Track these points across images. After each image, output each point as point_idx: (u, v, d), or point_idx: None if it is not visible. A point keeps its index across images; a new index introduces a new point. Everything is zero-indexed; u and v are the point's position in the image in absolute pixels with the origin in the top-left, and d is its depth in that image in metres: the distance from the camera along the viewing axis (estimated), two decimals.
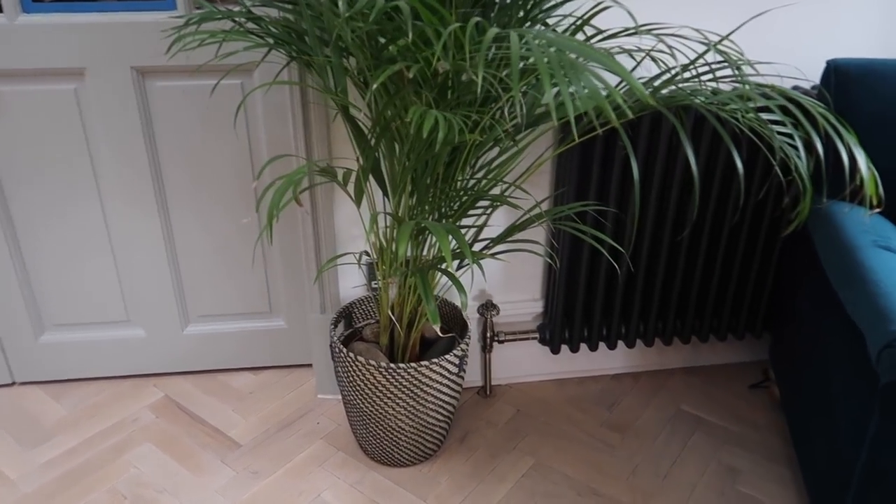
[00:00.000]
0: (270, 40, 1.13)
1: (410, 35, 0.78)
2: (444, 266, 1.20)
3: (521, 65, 1.02)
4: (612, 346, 1.61)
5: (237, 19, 1.15)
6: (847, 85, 1.28)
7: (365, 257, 1.54)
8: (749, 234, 1.52)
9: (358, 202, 1.17)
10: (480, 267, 1.25)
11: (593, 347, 1.61)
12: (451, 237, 1.03)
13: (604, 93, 0.86)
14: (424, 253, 1.33)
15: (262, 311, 1.70)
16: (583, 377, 1.75)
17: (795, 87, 1.45)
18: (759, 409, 1.63)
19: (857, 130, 1.27)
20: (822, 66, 1.50)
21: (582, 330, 1.59)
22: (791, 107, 1.08)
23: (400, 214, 1.23)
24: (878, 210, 1.25)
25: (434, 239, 1.31)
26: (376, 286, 1.57)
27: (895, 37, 1.50)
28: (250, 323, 1.71)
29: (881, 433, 0.93)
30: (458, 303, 1.51)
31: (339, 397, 1.67)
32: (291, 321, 1.71)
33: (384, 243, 1.29)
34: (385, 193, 1.29)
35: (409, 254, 1.30)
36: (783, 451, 1.50)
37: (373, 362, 1.28)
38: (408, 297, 1.32)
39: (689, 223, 1.48)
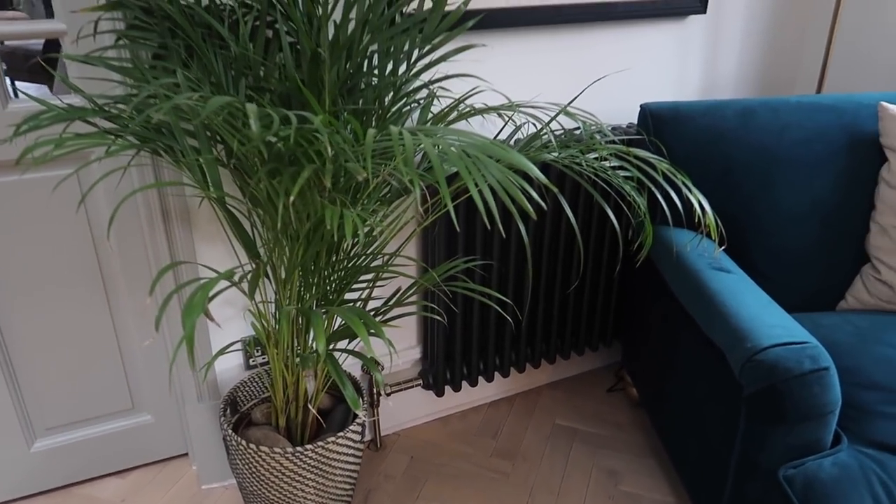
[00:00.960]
0: (133, 139, 1.06)
1: (330, 150, 0.79)
2: (349, 345, 1.20)
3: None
4: (489, 379, 1.71)
5: (90, 119, 1.06)
6: (662, 125, 1.49)
7: (248, 337, 1.49)
8: (595, 264, 1.70)
9: (251, 296, 1.13)
10: (390, 342, 1.27)
11: (473, 383, 1.69)
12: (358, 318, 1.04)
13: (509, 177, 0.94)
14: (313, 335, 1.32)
15: (124, 409, 1.56)
16: (464, 410, 1.83)
17: (615, 129, 1.65)
18: (620, 410, 1.82)
19: (674, 164, 1.47)
20: (636, 109, 1.73)
21: (462, 369, 1.67)
22: (632, 157, 1.24)
23: (288, 301, 1.21)
24: (723, 248, 1.46)
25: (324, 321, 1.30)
26: (256, 365, 1.52)
27: (686, 82, 1.77)
28: (111, 424, 1.56)
29: (749, 431, 1.11)
30: (352, 372, 1.51)
31: (226, 484, 1.58)
32: (159, 413, 1.59)
33: (272, 327, 1.26)
34: (266, 277, 1.26)
35: (308, 340, 1.28)
36: (648, 445, 1.70)
37: (278, 450, 1.25)
38: (319, 384, 1.30)
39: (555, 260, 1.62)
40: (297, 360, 1.24)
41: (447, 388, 1.75)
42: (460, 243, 1.51)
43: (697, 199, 1.21)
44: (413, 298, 1.59)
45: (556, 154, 1.27)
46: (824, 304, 1.49)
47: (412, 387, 1.68)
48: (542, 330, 1.71)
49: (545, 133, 1.28)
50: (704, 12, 1.69)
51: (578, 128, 1.31)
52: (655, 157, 1.23)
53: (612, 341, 1.85)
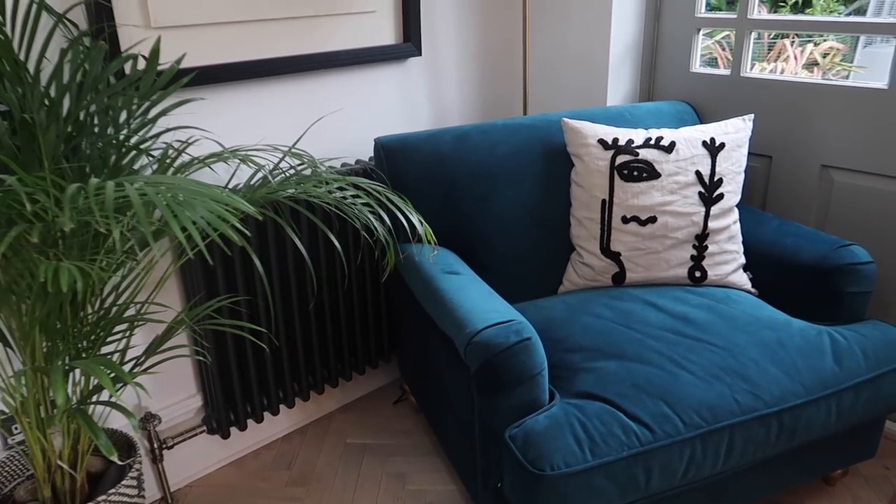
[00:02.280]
0: None
1: (29, 207, 0.84)
2: (104, 397, 1.22)
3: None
4: (275, 413, 1.77)
5: None
6: (394, 155, 1.67)
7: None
8: (359, 286, 1.84)
9: None
10: (141, 386, 1.29)
11: (259, 419, 1.74)
12: (104, 368, 1.07)
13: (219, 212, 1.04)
14: (70, 392, 1.31)
15: None
16: (257, 449, 1.87)
17: (358, 162, 1.82)
18: (406, 418, 1.97)
19: (407, 188, 1.66)
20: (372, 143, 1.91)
21: (245, 407, 1.71)
22: (363, 186, 1.40)
23: (35, 363, 1.20)
24: (436, 251, 1.65)
25: (78, 375, 1.30)
26: (13, 445, 1.46)
27: (418, 115, 1.99)
28: None
29: (482, 403, 1.29)
30: (117, 427, 1.50)
31: None
32: None
33: (20, 395, 1.24)
34: (7, 346, 1.24)
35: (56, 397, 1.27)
36: (431, 444, 1.86)
37: None
38: (65, 440, 1.28)
39: (314, 289, 1.73)
40: (43, 417, 1.23)
41: (233, 430, 1.79)
42: (220, 282, 1.57)
43: (406, 214, 1.39)
44: (185, 342, 1.62)
45: (293, 190, 1.40)
46: (549, 290, 1.75)
47: (196, 434, 1.69)
48: (319, 356, 1.81)
49: (279, 172, 1.40)
50: (420, 55, 1.93)
51: (303, 164, 1.44)
52: (375, 184, 1.40)
53: (389, 356, 1.99)
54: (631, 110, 1.91)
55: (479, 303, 1.35)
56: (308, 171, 1.46)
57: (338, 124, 1.83)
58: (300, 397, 1.82)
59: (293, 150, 1.42)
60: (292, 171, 1.42)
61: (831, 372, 1.37)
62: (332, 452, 1.84)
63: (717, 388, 1.30)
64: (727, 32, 3.40)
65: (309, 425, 1.96)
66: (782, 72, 3.89)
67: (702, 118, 2.03)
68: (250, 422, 1.82)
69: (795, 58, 4.02)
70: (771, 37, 3.83)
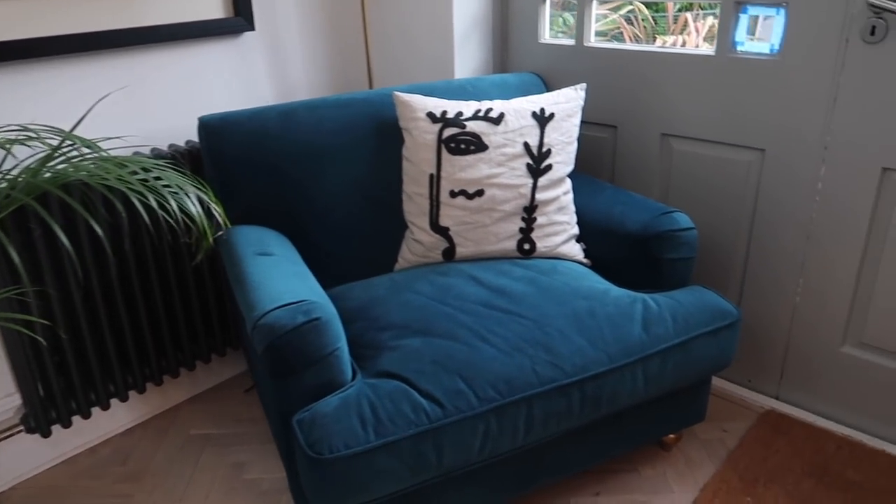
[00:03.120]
0: None
1: None
2: None
3: None
4: (105, 408, 1.70)
5: None
6: (215, 135, 1.60)
7: None
8: (196, 271, 1.77)
9: None
10: None
11: (86, 415, 1.67)
12: None
13: None
14: None
15: None
16: (94, 446, 1.79)
17: (171, 146, 1.74)
18: (254, 407, 1.91)
19: (227, 168, 1.60)
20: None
21: (68, 404, 1.63)
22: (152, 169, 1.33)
23: None
24: (223, 233, 1.57)
25: None
26: None
27: (259, 94, 1.92)
28: None
29: (276, 388, 1.24)
30: None
31: None
32: None
33: None
34: None
35: None
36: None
37: None
38: None
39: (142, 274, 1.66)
40: None
41: (61, 428, 1.71)
42: (27, 273, 1.48)
43: (191, 198, 1.33)
44: None
45: (84, 173, 1.32)
46: (387, 268, 1.71)
47: (14, 434, 1.61)
48: (154, 346, 1.74)
49: (61, 156, 1.32)
50: (254, 29, 1.85)
51: (72, 146, 1.36)
52: (165, 166, 1.33)
53: (238, 343, 1.93)
54: (475, 83, 1.87)
55: (278, 284, 1.30)
56: (96, 155, 1.37)
57: (166, 105, 1.75)
58: (135, 390, 1.75)
59: (77, 135, 1.33)
60: (76, 156, 1.34)
61: (638, 339, 1.36)
62: (172, 446, 1.78)
63: (518, 360, 1.29)
64: (631, 7, 3.41)
65: (153, 419, 1.89)
66: (684, 44, 3.92)
67: (550, 89, 2.01)
68: (77, 418, 1.74)
69: (697, 30, 4.07)
70: (676, 9, 3.86)
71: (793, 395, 1.80)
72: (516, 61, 2.09)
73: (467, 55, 2.01)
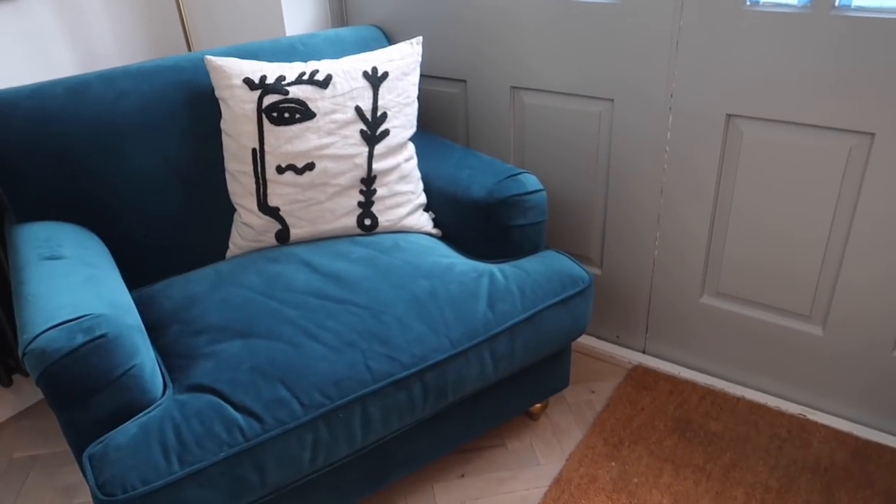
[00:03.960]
0: None
1: None
2: None
3: None
4: None
5: None
6: None
7: None
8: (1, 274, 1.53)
9: None
10: None
11: None
12: None
13: None
14: None
15: None
16: None
17: None
18: None
19: (5, 155, 1.36)
20: None
21: None
22: None
23: None
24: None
25: None
26: None
27: (60, 63, 1.65)
28: None
29: (62, 419, 1.06)
30: None
31: None
32: None
33: None
34: None
35: None
36: None
37: None
38: None
39: None
40: None
41: None
42: None
43: None
44: None
45: None
46: (218, 256, 1.53)
47: None
48: None
49: None
50: None
51: None
52: None
53: None
54: (306, 41, 1.68)
55: (59, 297, 1.11)
56: None
57: None
58: None
59: None
60: None
61: (483, 318, 1.27)
62: None
63: (349, 356, 1.16)
64: None
65: None
66: None
67: (394, 43, 1.85)
68: None
69: None
70: None
71: (658, 348, 1.77)
72: (358, 12, 1.90)
73: (299, 7, 1.81)
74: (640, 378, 1.71)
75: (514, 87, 1.72)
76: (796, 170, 1.41)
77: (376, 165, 1.48)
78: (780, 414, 1.57)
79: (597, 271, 1.79)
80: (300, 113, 1.44)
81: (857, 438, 1.49)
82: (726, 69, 1.41)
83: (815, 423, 1.54)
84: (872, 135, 1.31)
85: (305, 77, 1.46)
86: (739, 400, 1.62)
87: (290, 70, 1.47)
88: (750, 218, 1.50)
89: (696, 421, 1.57)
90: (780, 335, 1.57)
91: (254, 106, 1.43)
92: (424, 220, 1.54)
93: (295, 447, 1.09)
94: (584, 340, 1.86)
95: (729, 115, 1.45)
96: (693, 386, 1.67)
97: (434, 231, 1.55)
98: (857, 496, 1.37)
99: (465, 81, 1.80)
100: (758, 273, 1.54)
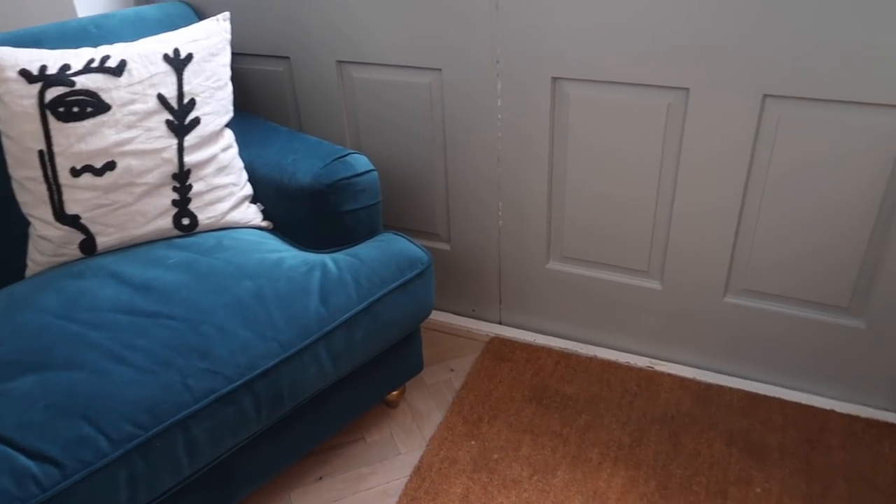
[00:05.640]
0: None
1: None
2: None
3: None
4: None
5: None
6: None
7: None
8: None
9: None
10: None
11: None
12: None
13: None
14: None
15: None
16: None
17: None
18: None
19: None
20: None
21: None
22: None
23: None
24: None
25: None
26: None
27: None
28: None
29: None
30: None
31: None
32: None
33: None
34: None
35: None
36: None
37: None
38: None
39: None
40: None
41: None
42: None
43: None
44: None
45: None
46: (14, 278, 1.34)
47: None
48: None
49: None
50: None
51: None
52: None
53: None
54: (100, 22, 1.50)
55: None
56: None
57: None
58: None
59: None
60: None
61: (316, 315, 1.19)
62: None
63: (164, 377, 1.05)
64: None
65: None
66: None
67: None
68: None
69: None
70: None
71: (514, 317, 1.77)
72: None
73: None
74: (498, 350, 1.70)
75: (340, 62, 1.62)
76: (622, 129, 1.42)
77: (189, 158, 1.34)
78: (629, 369, 1.61)
79: (446, 247, 1.75)
80: (92, 106, 1.28)
81: (699, 384, 1.56)
82: (548, 32, 1.38)
83: (662, 374, 1.59)
84: (687, 90, 1.33)
85: (95, 64, 1.29)
86: (592, 360, 1.65)
87: (77, 57, 1.30)
88: (585, 180, 1.51)
89: (552, 387, 1.58)
90: (624, 292, 1.60)
91: (34, 101, 1.25)
92: (252, 213, 1.43)
93: (106, 488, 0.97)
94: (441, 318, 1.83)
95: (554, 79, 1.43)
96: (548, 352, 1.68)
97: (264, 224, 1.44)
98: (701, 439, 1.42)
99: (288, 58, 1.68)
100: (597, 234, 1.56)
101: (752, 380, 1.56)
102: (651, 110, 1.37)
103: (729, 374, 1.58)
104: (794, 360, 1.50)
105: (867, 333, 1.41)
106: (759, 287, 1.46)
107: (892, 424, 1.43)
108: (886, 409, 1.46)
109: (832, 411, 1.47)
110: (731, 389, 1.54)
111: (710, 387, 1.55)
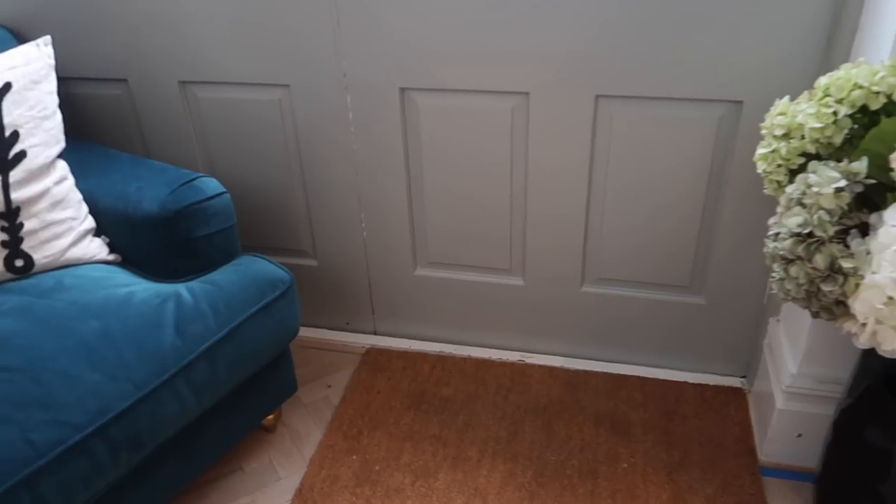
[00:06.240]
0: None
1: None
2: None
3: None
4: None
5: None
6: None
7: None
8: None
9: None
10: None
11: None
12: None
13: None
14: None
15: None
16: None
17: None
18: None
19: None
20: None
21: None
22: None
23: None
24: None
25: None
26: None
27: None
28: None
29: None
30: None
31: None
32: None
33: None
34: None
35: None
36: None
37: None
38: None
39: None
40: None
41: None
42: None
43: None
44: None
45: None
46: None
47: None
48: None
49: None
50: None
51: None
52: None
53: None
54: None
55: None
56: None
57: None
58: None
59: None
60: None
61: (172, 349, 1.14)
62: None
63: (2, 435, 0.97)
64: None
65: None
66: None
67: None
68: None
69: None
70: None
71: (388, 326, 1.78)
72: None
73: None
74: (374, 361, 1.70)
75: (182, 82, 1.56)
76: (472, 134, 1.46)
77: (16, 195, 1.24)
78: (502, 365, 1.67)
79: (313, 263, 1.73)
80: None
81: (567, 371, 1.64)
82: (391, 45, 1.40)
83: (532, 366, 1.66)
84: (527, 94, 1.39)
85: None
86: (466, 360, 1.69)
87: None
88: (443, 186, 1.54)
89: (429, 391, 1.60)
90: (491, 291, 1.65)
91: None
92: (96, 248, 1.35)
93: None
94: (314, 334, 1.81)
95: (402, 89, 1.45)
96: (424, 357, 1.70)
97: (111, 258, 1.36)
98: (572, 424, 1.49)
99: (125, 80, 1.59)
100: (460, 237, 1.60)
101: (614, 362, 1.65)
102: (496, 115, 1.43)
103: (593, 359, 1.67)
104: (648, 340, 1.61)
105: (707, 308, 1.53)
106: (611, 275, 1.55)
107: (736, 388, 1.57)
108: (730, 375, 1.60)
109: (685, 383, 1.58)
110: (596, 374, 1.62)
111: (577, 373, 1.63)
